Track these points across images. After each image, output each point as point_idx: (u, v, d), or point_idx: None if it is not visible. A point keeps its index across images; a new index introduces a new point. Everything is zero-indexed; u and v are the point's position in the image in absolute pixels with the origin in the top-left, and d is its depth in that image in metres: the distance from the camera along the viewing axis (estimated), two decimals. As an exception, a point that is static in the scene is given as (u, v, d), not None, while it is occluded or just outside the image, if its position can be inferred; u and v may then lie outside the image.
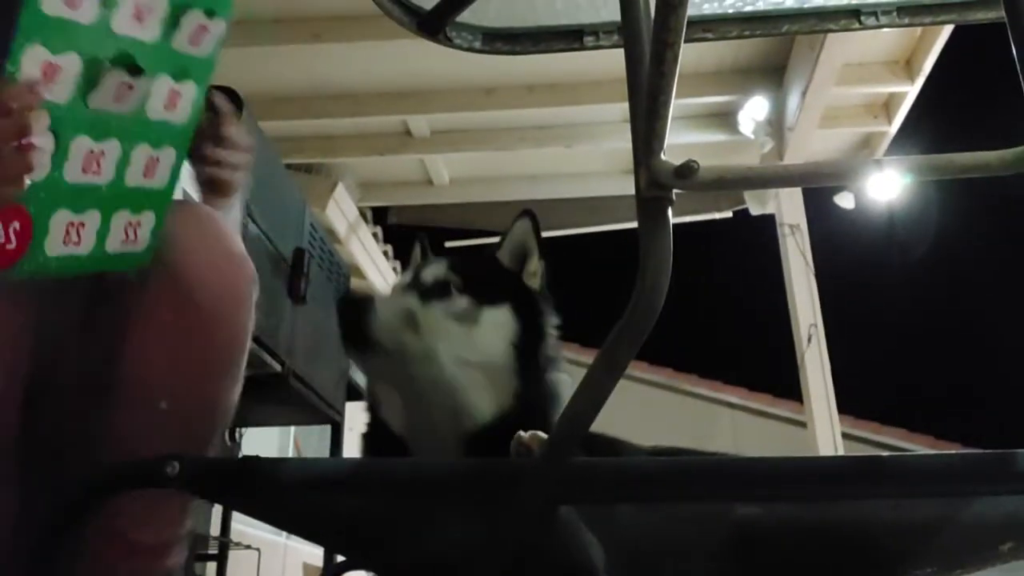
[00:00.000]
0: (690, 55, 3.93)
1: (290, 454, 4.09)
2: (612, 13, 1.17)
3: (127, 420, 0.88)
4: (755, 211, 4.85)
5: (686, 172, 0.53)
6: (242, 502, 0.87)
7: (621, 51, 0.63)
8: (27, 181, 0.70)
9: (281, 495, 0.78)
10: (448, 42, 1.19)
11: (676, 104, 0.54)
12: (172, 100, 0.81)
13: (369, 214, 4.73)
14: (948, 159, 0.56)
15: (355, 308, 0.90)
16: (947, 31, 3.63)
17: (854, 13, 1.16)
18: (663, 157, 0.55)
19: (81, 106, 0.73)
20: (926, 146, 5.01)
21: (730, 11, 1.15)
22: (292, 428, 4.04)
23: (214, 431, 0.92)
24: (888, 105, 4.34)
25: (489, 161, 4.87)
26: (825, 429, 4.03)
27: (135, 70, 0.76)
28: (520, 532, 0.70)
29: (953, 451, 0.70)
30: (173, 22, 0.80)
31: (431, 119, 4.38)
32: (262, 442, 3.50)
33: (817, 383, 4.10)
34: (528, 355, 0.93)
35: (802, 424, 4.45)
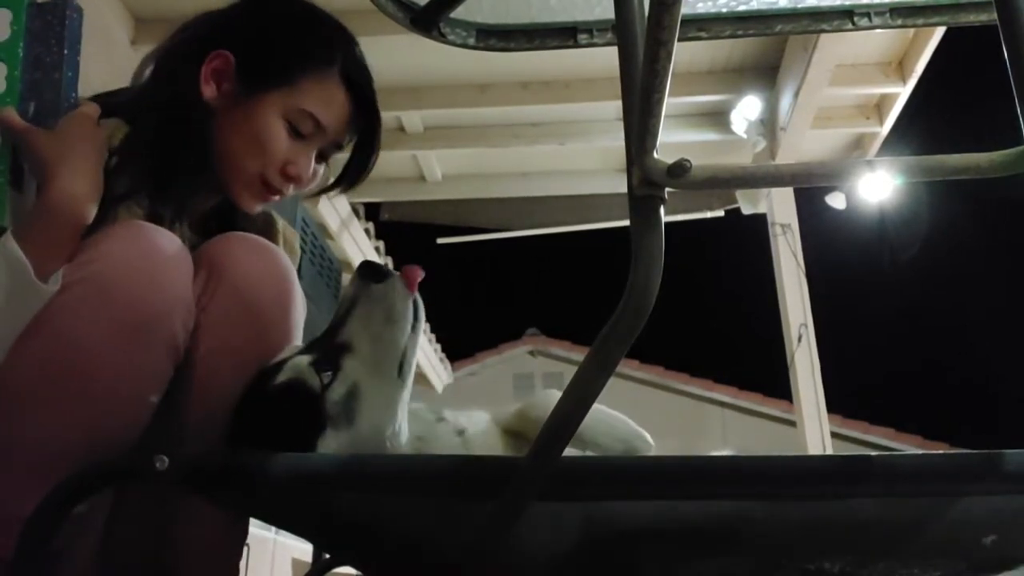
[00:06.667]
0: (684, 54, 3.94)
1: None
2: (606, 11, 1.17)
3: (197, 418, 0.94)
4: (747, 210, 4.87)
5: (679, 171, 0.53)
6: (231, 498, 0.86)
7: (615, 49, 0.63)
8: None
9: (270, 490, 0.78)
10: (442, 38, 1.18)
11: (669, 103, 0.54)
12: None
13: (361, 210, 4.71)
14: (939, 160, 0.56)
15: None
16: (939, 33, 3.65)
17: (847, 14, 1.17)
18: (656, 155, 0.55)
19: None
20: (917, 147, 5.03)
21: (724, 10, 1.15)
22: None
23: None
24: (880, 106, 4.36)
25: (482, 158, 4.86)
26: (814, 428, 4.05)
27: None
28: (507, 529, 0.70)
29: (940, 451, 0.71)
30: None
31: (424, 115, 4.37)
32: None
33: (807, 382, 4.12)
34: None
35: (792, 423, 4.47)
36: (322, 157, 1.17)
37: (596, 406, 0.99)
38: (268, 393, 0.89)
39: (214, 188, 1.12)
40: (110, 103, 1.07)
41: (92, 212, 0.95)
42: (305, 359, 0.90)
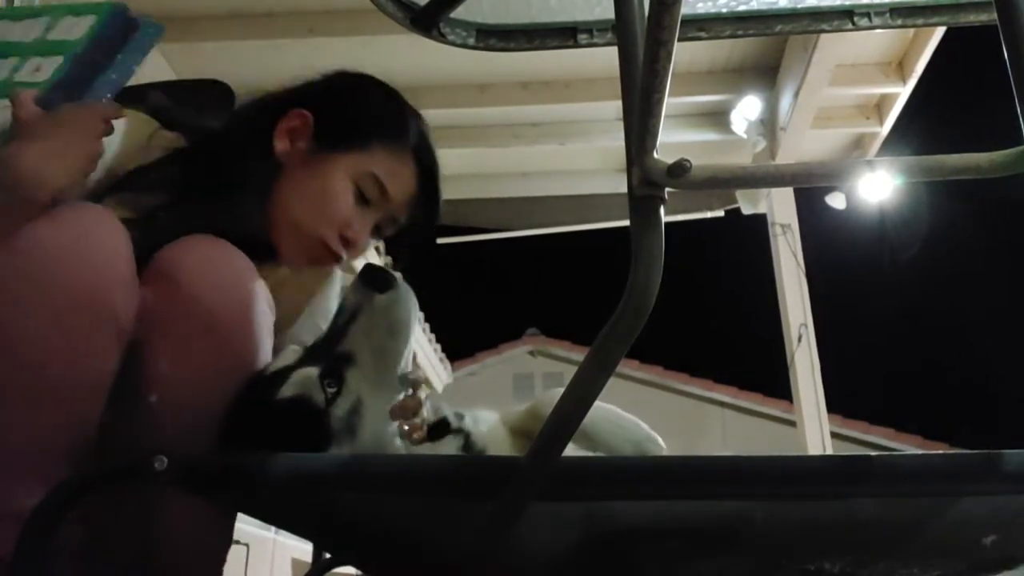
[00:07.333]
0: (684, 54, 3.94)
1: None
2: (606, 11, 1.16)
3: (155, 429, 0.89)
4: (747, 211, 4.87)
5: (679, 171, 0.53)
6: (231, 498, 0.86)
7: (615, 49, 0.63)
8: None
9: (270, 491, 0.78)
10: (442, 38, 1.18)
11: (669, 103, 0.54)
12: (37, 68, 1.09)
13: (361, 209, 4.72)
14: (939, 161, 0.56)
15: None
16: (939, 33, 3.65)
17: (847, 14, 1.17)
18: (656, 155, 0.55)
19: None
20: (917, 147, 5.04)
21: (724, 10, 1.15)
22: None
23: None
24: (880, 106, 4.36)
25: (482, 158, 4.86)
26: (814, 428, 4.05)
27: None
28: (507, 529, 0.70)
29: (940, 451, 0.71)
30: (49, 26, 1.13)
31: (424, 115, 4.37)
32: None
33: (807, 382, 4.12)
34: None
35: (792, 423, 4.47)
36: (377, 232, 1.16)
37: (607, 407, 0.99)
38: (272, 405, 0.85)
39: (246, 234, 1.08)
40: (156, 103, 1.10)
41: (49, 194, 0.91)
42: (314, 371, 0.86)
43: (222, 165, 1.08)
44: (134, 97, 1.17)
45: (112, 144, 1.06)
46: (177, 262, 0.91)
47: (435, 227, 1.21)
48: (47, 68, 1.08)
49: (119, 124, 1.08)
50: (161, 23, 1.11)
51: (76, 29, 1.10)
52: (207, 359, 0.90)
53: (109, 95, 1.07)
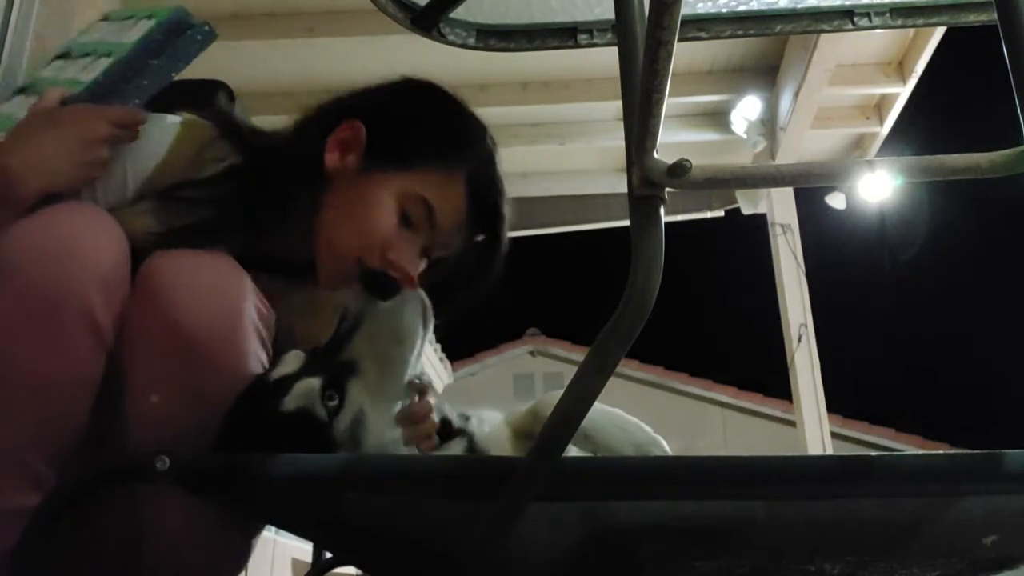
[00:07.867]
0: (683, 54, 3.94)
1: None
2: (606, 11, 1.17)
3: (139, 433, 0.88)
4: (747, 211, 4.87)
5: (678, 171, 0.53)
6: (232, 498, 0.86)
7: (615, 49, 0.64)
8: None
9: (272, 491, 0.78)
10: (442, 38, 1.19)
11: (669, 103, 0.54)
12: (90, 69, 1.10)
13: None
14: (939, 161, 0.56)
15: None
16: (939, 33, 3.65)
17: (847, 14, 1.17)
18: (656, 155, 0.55)
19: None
20: (918, 147, 5.04)
21: (724, 10, 1.15)
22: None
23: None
24: (880, 106, 4.36)
25: (482, 158, 4.86)
26: (814, 428, 4.05)
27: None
28: (507, 529, 0.70)
29: (940, 451, 0.71)
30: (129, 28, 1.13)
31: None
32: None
33: (807, 382, 4.12)
34: None
35: (791, 423, 4.47)
36: (426, 255, 1.07)
37: (611, 410, 0.99)
38: (274, 418, 0.83)
39: (284, 259, 1.05)
40: (223, 107, 1.09)
41: (26, 192, 0.90)
42: (316, 383, 0.84)
43: (270, 189, 1.02)
44: (200, 97, 1.13)
45: (152, 153, 1.01)
46: (157, 268, 0.88)
47: (495, 265, 1.09)
48: (94, 69, 1.07)
49: (167, 131, 1.03)
50: (214, 28, 1.09)
51: (135, 32, 1.09)
52: (174, 365, 0.86)
53: (137, 101, 1.04)
